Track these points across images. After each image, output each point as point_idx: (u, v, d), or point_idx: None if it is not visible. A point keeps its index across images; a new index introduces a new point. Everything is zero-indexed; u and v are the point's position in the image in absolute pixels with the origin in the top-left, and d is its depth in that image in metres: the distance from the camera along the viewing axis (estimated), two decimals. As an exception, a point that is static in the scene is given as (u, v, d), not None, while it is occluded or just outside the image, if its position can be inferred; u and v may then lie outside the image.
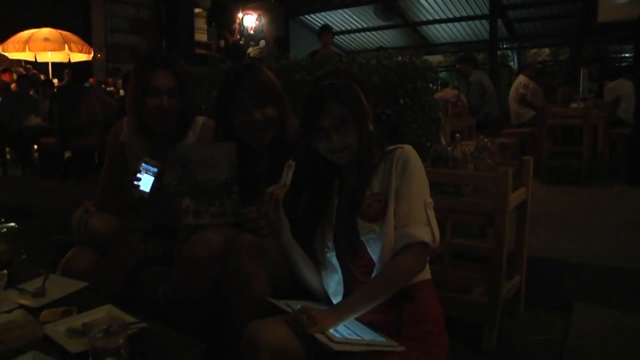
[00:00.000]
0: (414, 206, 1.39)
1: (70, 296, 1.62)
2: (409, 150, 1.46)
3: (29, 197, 5.70)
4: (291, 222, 1.50)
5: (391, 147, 1.49)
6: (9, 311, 1.48)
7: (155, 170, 1.80)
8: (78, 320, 1.41)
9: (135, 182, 1.79)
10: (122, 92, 8.16)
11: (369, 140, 1.47)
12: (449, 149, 2.26)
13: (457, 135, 2.41)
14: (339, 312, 1.32)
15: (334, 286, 1.50)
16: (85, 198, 2.08)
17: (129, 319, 1.40)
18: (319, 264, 1.53)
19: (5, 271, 1.82)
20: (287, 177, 1.46)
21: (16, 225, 4.63)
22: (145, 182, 1.79)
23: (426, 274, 1.46)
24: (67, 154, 6.58)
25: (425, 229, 1.37)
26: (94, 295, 1.65)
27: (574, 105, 5.85)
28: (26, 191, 6.08)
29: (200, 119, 2.07)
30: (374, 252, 1.41)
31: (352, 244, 1.45)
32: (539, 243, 2.92)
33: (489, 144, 2.31)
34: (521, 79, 6.42)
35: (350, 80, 1.48)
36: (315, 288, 1.53)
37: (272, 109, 1.77)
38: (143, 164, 1.80)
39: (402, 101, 2.29)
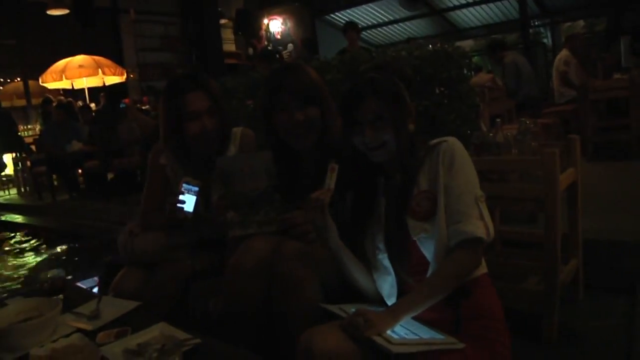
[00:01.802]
0: (465, 201, 1.34)
1: (123, 317, 1.63)
2: (453, 143, 1.40)
3: (77, 220, 5.88)
4: (338, 225, 1.47)
5: (435, 141, 1.43)
6: (67, 335, 1.50)
7: (197, 189, 1.80)
8: (133, 341, 1.41)
9: (179, 205, 1.79)
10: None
11: (407, 139, 1.42)
12: (490, 135, 2.18)
13: (498, 120, 2.33)
14: (396, 313, 1.29)
15: (387, 288, 1.46)
16: (130, 218, 2.11)
17: (183, 335, 1.40)
18: (371, 266, 1.50)
19: (60, 296, 1.86)
20: (331, 180, 1.43)
21: (66, 247, 4.76)
22: (189, 202, 1.80)
23: (482, 269, 1.41)
24: (111, 176, 6.74)
25: (478, 223, 1.32)
26: (146, 314, 1.66)
27: (617, 76, 5.62)
28: (74, 214, 6.27)
29: (238, 130, 2.06)
30: (427, 251, 1.37)
31: (403, 244, 1.41)
32: (593, 224, 2.79)
33: (532, 125, 2.22)
34: (563, 53, 6.19)
35: (395, 76, 1.42)
36: (368, 291, 1.50)
37: (315, 110, 1.74)
38: (184, 185, 1.80)
39: (437, 91, 2.23)
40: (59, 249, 4.76)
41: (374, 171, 1.51)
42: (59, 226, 5.83)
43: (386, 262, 1.45)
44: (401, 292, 1.43)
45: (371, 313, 1.25)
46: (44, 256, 4.54)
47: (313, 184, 1.51)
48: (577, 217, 2.33)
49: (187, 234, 2.07)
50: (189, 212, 1.80)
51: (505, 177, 2.24)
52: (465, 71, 2.44)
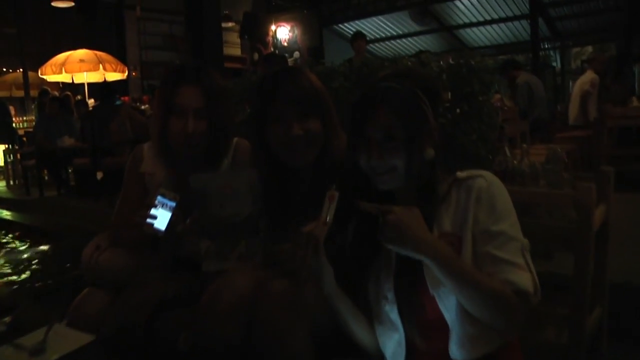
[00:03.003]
0: (510, 250, 1.08)
1: (73, 354, 1.36)
2: (492, 180, 1.14)
3: (62, 219, 5.62)
4: (336, 265, 1.19)
5: (464, 173, 1.16)
6: (-1, 377, 1.24)
7: (174, 204, 1.51)
8: (76, 392, 1.15)
9: (149, 220, 1.51)
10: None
11: (421, 168, 1.14)
12: (515, 162, 1.92)
13: (524, 145, 2.07)
14: (427, 241, 1.06)
15: (393, 347, 1.19)
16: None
17: (137, 390, 1.14)
18: (374, 317, 1.22)
19: (7, 319, 1.60)
20: (329, 211, 1.14)
21: (40, 250, 4.49)
22: (161, 218, 1.50)
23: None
24: (100, 175, 6.48)
25: (526, 275, 1.07)
26: (100, 352, 1.39)
27: (635, 104, 5.39)
28: (61, 212, 6.01)
29: (233, 140, 1.79)
30: (447, 309, 1.10)
31: (418, 298, 1.14)
32: (617, 265, 2.52)
33: (562, 153, 1.96)
34: (589, 75, 5.94)
35: (418, 88, 1.14)
36: (367, 346, 1.23)
37: (316, 122, 1.43)
38: (159, 198, 1.51)
39: (458, 109, 1.97)
40: (37, 250, 4.46)
41: (384, 199, 1.22)
42: (43, 224, 5.56)
43: (394, 316, 1.17)
44: (410, 353, 1.16)
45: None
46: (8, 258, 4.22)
47: (307, 211, 1.22)
48: (605, 260, 2.06)
49: (160, 254, 1.80)
50: (159, 230, 1.51)
51: (530, 209, 1.97)
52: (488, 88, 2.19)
